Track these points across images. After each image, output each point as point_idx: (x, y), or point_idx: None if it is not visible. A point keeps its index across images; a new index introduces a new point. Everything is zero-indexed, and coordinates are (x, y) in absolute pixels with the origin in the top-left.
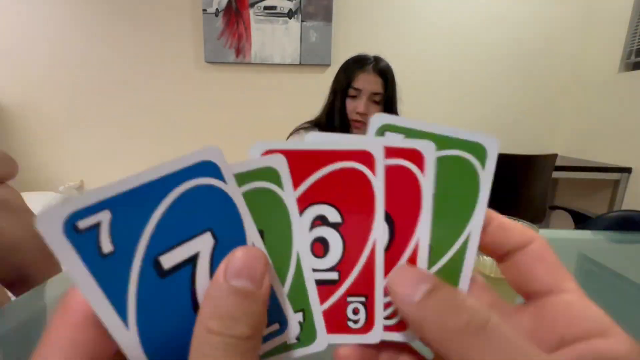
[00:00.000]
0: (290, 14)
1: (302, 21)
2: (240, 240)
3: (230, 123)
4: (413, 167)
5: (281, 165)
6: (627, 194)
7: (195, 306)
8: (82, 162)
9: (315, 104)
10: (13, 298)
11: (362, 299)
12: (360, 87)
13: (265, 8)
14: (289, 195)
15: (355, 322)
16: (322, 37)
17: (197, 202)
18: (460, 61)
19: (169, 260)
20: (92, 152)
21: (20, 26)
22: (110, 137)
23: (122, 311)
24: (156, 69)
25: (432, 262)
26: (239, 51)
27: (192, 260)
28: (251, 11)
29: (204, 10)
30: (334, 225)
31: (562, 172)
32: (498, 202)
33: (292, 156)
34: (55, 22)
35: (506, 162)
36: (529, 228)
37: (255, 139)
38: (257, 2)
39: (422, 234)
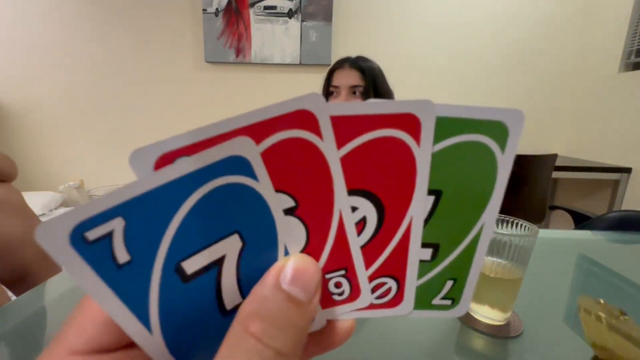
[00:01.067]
0: (290, 14)
1: (302, 21)
2: (272, 242)
3: None
4: (406, 137)
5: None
6: (627, 194)
7: (221, 307)
8: (82, 162)
9: None
10: (13, 298)
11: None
12: (338, 84)
13: (265, 8)
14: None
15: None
16: (322, 37)
17: (223, 203)
18: (460, 61)
19: (192, 265)
20: (92, 151)
21: (20, 26)
22: (110, 137)
23: (144, 318)
24: (156, 68)
25: (443, 254)
26: (239, 51)
27: (218, 263)
28: (251, 11)
29: (204, 10)
30: (290, 211)
31: (562, 172)
32: None
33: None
34: (56, 22)
35: None
36: None
37: None
38: (257, 2)
39: (416, 212)
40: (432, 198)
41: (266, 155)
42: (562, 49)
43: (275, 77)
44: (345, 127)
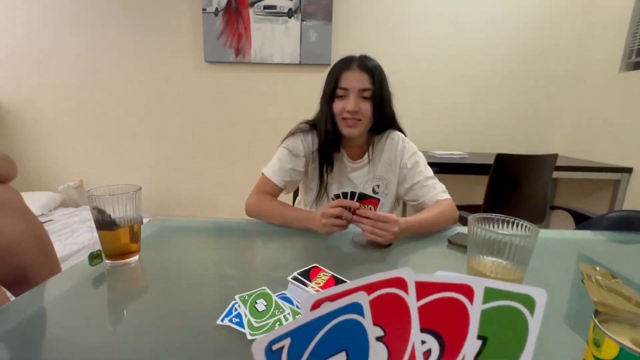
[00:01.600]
0: (290, 14)
1: (302, 20)
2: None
3: (229, 122)
4: (463, 299)
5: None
6: (627, 194)
7: None
8: (81, 162)
9: (315, 103)
10: (12, 298)
11: None
12: (348, 86)
13: (265, 7)
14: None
15: None
16: (322, 37)
17: (341, 331)
18: (461, 61)
19: None
20: (91, 151)
21: (20, 26)
22: (109, 137)
23: None
24: (155, 68)
25: None
26: (238, 51)
27: None
28: (251, 10)
29: (204, 9)
30: (379, 339)
31: (562, 172)
32: (499, 202)
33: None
34: (55, 22)
35: (506, 162)
36: None
37: (254, 138)
38: (257, 2)
39: (468, 350)
40: (479, 342)
41: (372, 302)
42: (562, 48)
43: (275, 76)
44: (424, 288)
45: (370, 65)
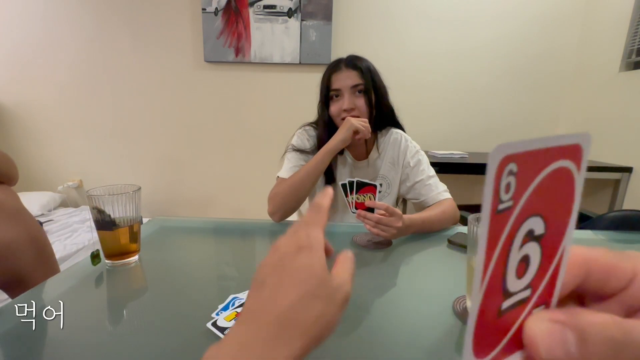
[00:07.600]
0: (290, 13)
1: (302, 20)
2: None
3: (229, 122)
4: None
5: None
6: (627, 194)
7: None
8: (81, 162)
9: (314, 103)
10: (9, 300)
11: (542, 308)
12: (339, 86)
13: (265, 7)
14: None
15: None
16: (322, 36)
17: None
18: (461, 60)
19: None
20: (91, 151)
21: (19, 26)
22: (108, 137)
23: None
24: (155, 68)
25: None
26: (238, 50)
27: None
28: (251, 10)
29: (203, 9)
30: (537, 238)
31: None
32: None
33: (520, 159)
34: (55, 22)
35: None
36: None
37: (254, 138)
38: (256, 1)
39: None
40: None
41: (541, 181)
42: (562, 47)
43: (275, 76)
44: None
45: (357, 61)
